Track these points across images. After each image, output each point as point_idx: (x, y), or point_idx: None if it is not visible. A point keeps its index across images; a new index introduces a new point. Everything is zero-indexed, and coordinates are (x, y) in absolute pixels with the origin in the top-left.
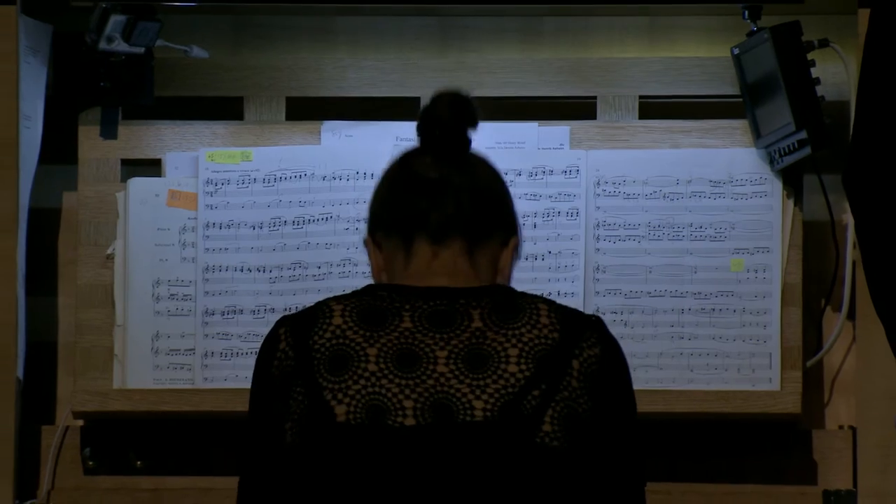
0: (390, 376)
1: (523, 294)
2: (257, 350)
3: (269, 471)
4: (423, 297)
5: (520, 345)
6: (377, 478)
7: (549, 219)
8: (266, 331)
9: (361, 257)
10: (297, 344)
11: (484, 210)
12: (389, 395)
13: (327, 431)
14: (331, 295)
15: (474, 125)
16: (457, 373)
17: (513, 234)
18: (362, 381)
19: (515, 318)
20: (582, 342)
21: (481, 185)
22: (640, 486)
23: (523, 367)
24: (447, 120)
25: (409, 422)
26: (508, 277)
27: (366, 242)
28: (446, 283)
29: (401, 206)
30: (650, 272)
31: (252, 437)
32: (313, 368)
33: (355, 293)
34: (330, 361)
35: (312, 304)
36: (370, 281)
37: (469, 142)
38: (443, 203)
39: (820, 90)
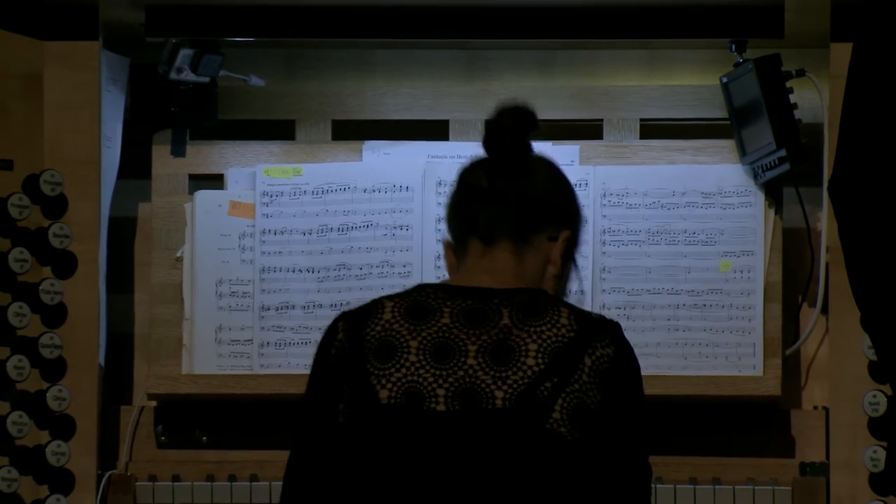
0: (427, 367)
1: (551, 297)
2: (308, 341)
3: (320, 443)
4: (462, 295)
5: (539, 340)
6: (410, 453)
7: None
8: (315, 324)
9: (398, 259)
10: (351, 335)
11: (529, 212)
12: (425, 383)
13: (372, 411)
14: (370, 292)
15: (530, 130)
16: (483, 365)
17: (563, 229)
18: (403, 370)
19: (539, 318)
20: (596, 342)
21: (530, 188)
22: (644, 477)
23: (539, 360)
24: (506, 128)
25: (441, 408)
26: (560, 268)
27: (444, 244)
28: (489, 282)
29: (458, 213)
30: (650, 272)
31: (307, 413)
32: (363, 357)
33: (407, 291)
34: (377, 350)
35: (369, 301)
36: (405, 280)
37: (528, 146)
38: (489, 208)
39: (797, 114)
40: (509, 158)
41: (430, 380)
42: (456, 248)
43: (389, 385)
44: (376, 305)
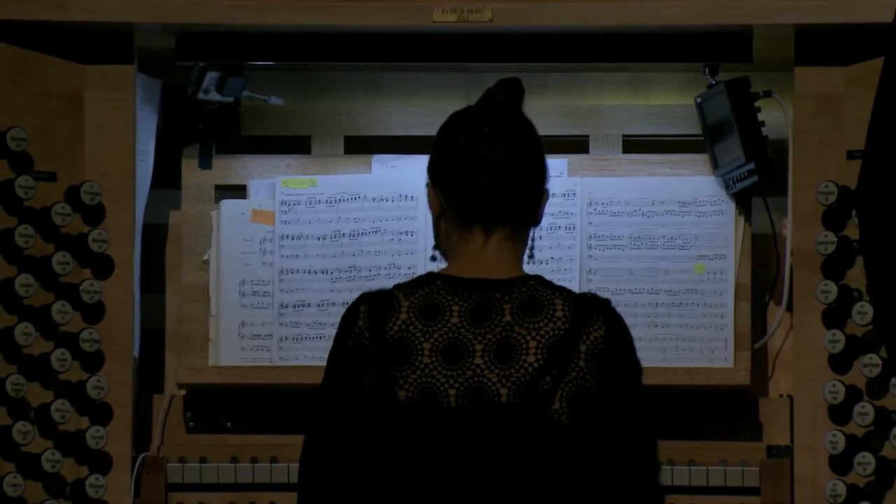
0: (439, 368)
1: (546, 288)
2: (322, 335)
3: (337, 430)
4: (468, 290)
5: (538, 337)
6: (425, 446)
7: (551, 232)
8: (329, 320)
9: (403, 262)
10: (372, 328)
11: (525, 194)
12: (437, 383)
13: (391, 407)
14: None
15: (522, 97)
16: (489, 364)
17: (545, 189)
18: (419, 372)
19: (537, 314)
20: (588, 327)
21: (526, 152)
22: (650, 448)
23: (539, 356)
24: (502, 97)
25: (452, 404)
26: (541, 218)
27: (428, 188)
28: (491, 272)
29: (461, 182)
30: (631, 274)
31: (325, 399)
32: (383, 358)
33: (418, 281)
34: (396, 352)
35: (386, 290)
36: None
37: (519, 113)
38: (496, 185)
39: (764, 131)
40: (504, 125)
41: (442, 380)
42: (445, 213)
43: (406, 385)
44: (393, 302)
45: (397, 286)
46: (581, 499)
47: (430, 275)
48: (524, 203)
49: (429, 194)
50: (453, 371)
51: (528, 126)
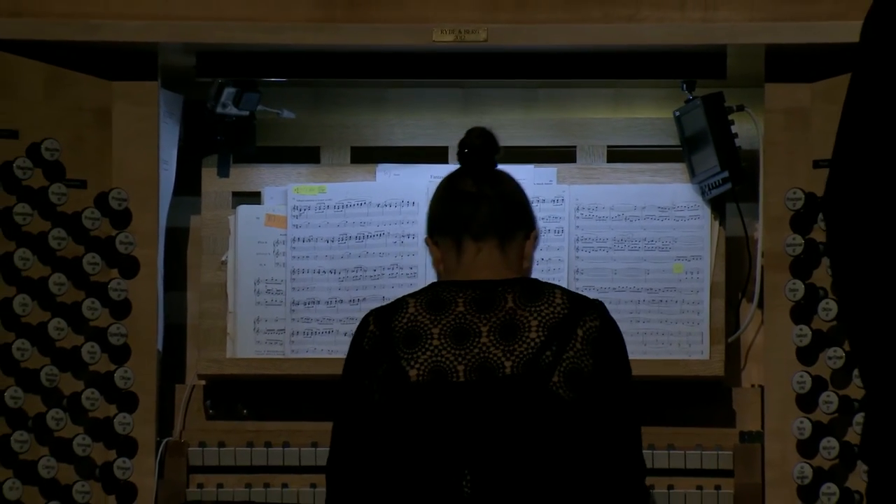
0: (448, 348)
1: (544, 283)
2: (331, 330)
3: (359, 417)
4: (472, 287)
5: (539, 317)
6: (438, 419)
7: (541, 235)
8: (336, 316)
9: (405, 262)
10: (382, 327)
11: (510, 213)
12: (447, 361)
13: (403, 388)
14: (382, 290)
15: (497, 150)
16: (494, 341)
17: (532, 229)
18: (429, 353)
19: (538, 299)
20: (585, 316)
21: (507, 194)
22: (635, 428)
23: (540, 333)
24: (479, 146)
25: (461, 379)
26: (531, 260)
27: (427, 242)
28: (488, 274)
29: (450, 214)
30: (615, 273)
31: (346, 394)
32: (394, 344)
33: (424, 289)
34: (405, 338)
35: (394, 300)
36: (412, 279)
37: (495, 162)
38: (480, 210)
39: (738, 142)
40: (486, 170)
41: (451, 358)
42: (442, 245)
43: (417, 366)
44: (401, 303)
45: (406, 295)
46: (574, 464)
47: (433, 283)
48: (507, 216)
49: (428, 245)
50: (461, 350)
51: (512, 178)
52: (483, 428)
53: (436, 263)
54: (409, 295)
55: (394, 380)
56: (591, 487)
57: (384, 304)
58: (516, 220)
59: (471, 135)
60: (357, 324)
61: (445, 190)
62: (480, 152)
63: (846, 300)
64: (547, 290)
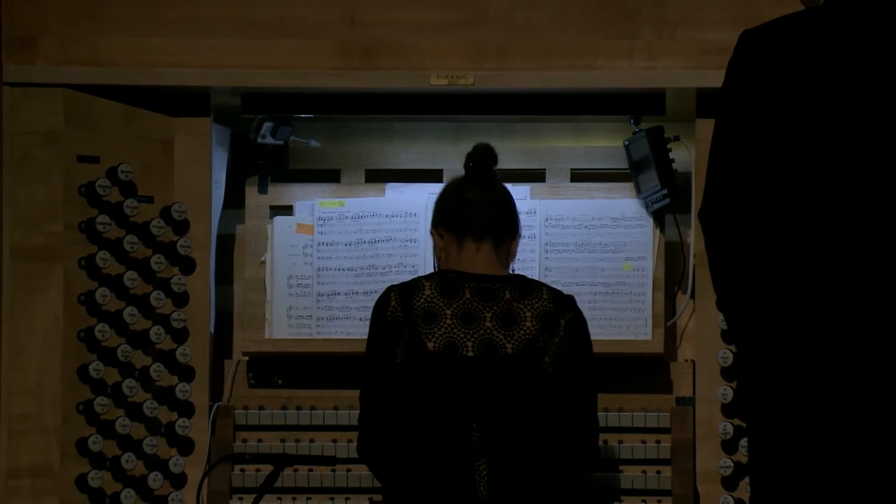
0: (459, 327)
1: (533, 280)
2: (349, 316)
3: (385, 381)
4: (475, 279)
5: (532, 310)
6: (451, 383)
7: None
8: (353, 305)
9: (408, 262)
10: (403, 304)
11: (503, 220)
12: (458, 338)
13: (422, 356)
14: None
15: (496, 162)
16: (496, 326)
17: (518, 233)
18: (443, 329)
19: (530, 295)
20: (566, 309)
21: (502, 204)
22: (594, 394)
23: (534, 323)
24: (481, 159)
25: (470, 354)
26: (514, 257)
27: (432, 233)
28: (484, 269)
29: (456, 216)
30: (577, 271)
31: (372, 360)
32: (415, 321)
33: (435, 274)
34: (424, 316)
35: (410, 280)
36: (414, 275)
37: (494, 173)
38: (481, 216)
39: (675, 166)
40: (486, 178)
41: (462, 336)
42: (446, 238)
43: (434, 339)
44: (416, 283)
45: (419, 277)
46: (552, 419)
47: (442, 270)
48: (501, 222)
49: (432, 235)
50: (469, 330)
51: (503, 188)
52: (488, 393)
53: (438, 251)
54: (423, 277)
55: (415, 348)
56: (561, 436)
57: (402, 282)
58: (507, 225)
59: (476, 149)
60: (375, 302)
61: (454, 194)
62: (482, 164)
63: (717, 287)
64: (536, 287)
